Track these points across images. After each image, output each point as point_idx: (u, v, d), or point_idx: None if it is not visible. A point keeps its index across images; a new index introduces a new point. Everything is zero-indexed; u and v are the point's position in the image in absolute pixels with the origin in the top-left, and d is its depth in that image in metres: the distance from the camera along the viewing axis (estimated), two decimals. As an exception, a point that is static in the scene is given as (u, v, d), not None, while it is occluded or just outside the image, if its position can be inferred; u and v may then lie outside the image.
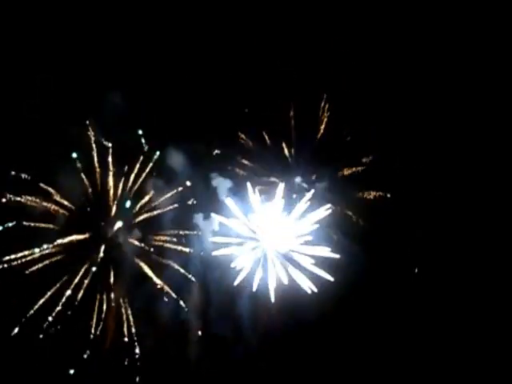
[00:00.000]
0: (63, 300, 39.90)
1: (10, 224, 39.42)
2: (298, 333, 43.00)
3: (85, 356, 40.25)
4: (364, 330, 43.30)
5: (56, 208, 40.41)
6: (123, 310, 40.82)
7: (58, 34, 40.34)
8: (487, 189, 43.64)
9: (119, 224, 41.42)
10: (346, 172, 44.95)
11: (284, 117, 44.43)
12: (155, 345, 41.22)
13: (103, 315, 40.56)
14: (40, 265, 39.80)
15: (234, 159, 43.74)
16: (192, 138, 42.35)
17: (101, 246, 40.85)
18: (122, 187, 41.42)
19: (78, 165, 40.89)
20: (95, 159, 41.31)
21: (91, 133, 41.06)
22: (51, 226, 40.32)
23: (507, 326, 42.58)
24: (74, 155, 40.85)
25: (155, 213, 41.67)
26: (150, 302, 41.17)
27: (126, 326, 40.79)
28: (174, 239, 41.72)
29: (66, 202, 40.80)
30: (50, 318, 39.78)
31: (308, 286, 41.73)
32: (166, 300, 41.26)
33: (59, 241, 40.04)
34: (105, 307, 40.57)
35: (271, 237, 43.17)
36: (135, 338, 40.86)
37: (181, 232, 41.87)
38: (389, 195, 44.52)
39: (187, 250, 41.93)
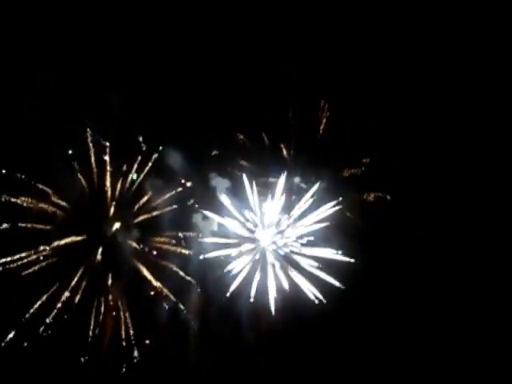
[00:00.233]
0: (60, 302, 39.12)
1: (6, 225, 38.57)
2: (298, 333, 42.45)
3: (82, 360, 39.51)
4: (364, 330, 42.88)
5: (53, 209, 39.64)
6: (121, 313, 40.07)
7: (58, 34, 39.65)
8: (487, 189, 43.47)
9: (117, 225, 40.69)
10: (346, 172, 44.63)
11: (283, 117, 43.99)
12: (154, 347, 40.53)
13: (101, 317, 39.78)
14: (37, 267, 39.03)
15: (233, 160, 43.10)
16: (191, 138, 41.87)
17: (99, 248, 40.06)
18: (120, 187, 40.68)
19: (76, 165, 40.15)
20: (92, 159, 40.61)
21: (89, 132, 40.32)
22: (48, 227, 39.52)
23: (507, 326, 42.44)
24: (71, 154, 40.09)
25: (154, 214, 40.94)
26: (149, 303, 40.49)
27: (124, 328, 40.01)
28: (173, 241, 41.02)
29: (63, 203, 40.05)
30: (47, 321, 38.99)
31: (312, 292, 41.33)
32: (165, 302, 40.54)
33: (56, 242, 39.23)
34: (103, 309, 39.79)
35: (271, 237, 42.84)
36: (133, 341, 40.12)
37: (180, 234, 41.15)
38: (389, 195, 44.20)
39: (186, 251, 41.21)
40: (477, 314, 42.46)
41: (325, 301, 41.85)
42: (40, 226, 39.27)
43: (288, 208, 43.17)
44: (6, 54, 39.00)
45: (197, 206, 42.01)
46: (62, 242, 39.44)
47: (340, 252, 42.16)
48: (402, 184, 44.31)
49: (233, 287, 41.74)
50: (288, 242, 42.88)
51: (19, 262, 38.60)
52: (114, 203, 40.44)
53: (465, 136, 44.01)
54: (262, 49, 43.25)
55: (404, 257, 43.76)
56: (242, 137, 43.62)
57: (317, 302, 41.79)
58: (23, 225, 38.94)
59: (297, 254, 42.78)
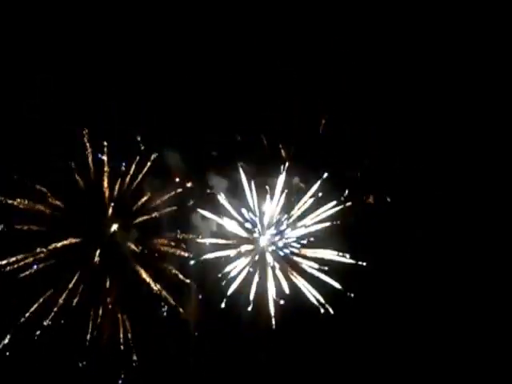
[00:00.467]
0: (58, 305, 38.23)
1: (1, 226, 37.57)
2: (298, 334, 41.93)
3: (80, 364, 38.66)
4: (365, 331, 42.54)
5: (50, 210, 38.65)
6: (119, 316, 39.24)
7: (57, 34, 38.79)
8: (487, 189, 43.29)
9: (115, 226, 39.81)
10: (346, 172, 44.15)
11: (283, 117, 43.35)
12: (153, 350, 39.78)
13: (99, 320, 38.94)
14: (34, 269, 38.07)
15: (232, 159, 42.36)
16: (190, 138, 41.15)
17: (96, 249, 39.16)
18: (118, 188, 39.80)
19: (73, 165, 39.19)
20: (90, 159, 39.68)
21: (86, 131, 39.39)
22: (45, 228, 38.53)
23: (507, 326, 42.35)
24: (68, 154, 39.14)
25: (153, 215, 40.12)
26: (148, 306, 39.71)
27: (122, 331, 39.20)
28: (172, 243, 40.25)
29: (60, 204, 39.05)
30: (45, 323, 38.08)
31: (312, 294, 40.92)
32: (164, 304, 39.80)
33: (53, 244, 38.29)
34: (100, 312, 38.93)
35: (270, 238, 42.34)
36: (132, 344, 39.33)
37: (178, 236, 40.39)
38: (389, 196, 43.79)
39: (186, 252, 40.50)
40: (478, 314, 42.27)
41: (325, 303, 41.61)
42: (37, 228, 38.23)
43: (288, 208, 42.79)
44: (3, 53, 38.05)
45: (196, 206, 41.13)
46: (59, 243, 38.47)
47: (341, 254, 41.95)
48: (402, 184, 43.96)
49: (231, 289, 41.23)
50: (288, 243, 42.54)
51: (15, 265, 37.64)
52: (112, 204, 39.51)
53: (464, 135, 43.76)
54: (262, 48, 42.52)
55: (404, 257, 43.45)
56: (241, 137, 42.92)
57: (317, 304, 41.48)
58: (19, 226, 37.94)
59: (297, 255, 42.41)
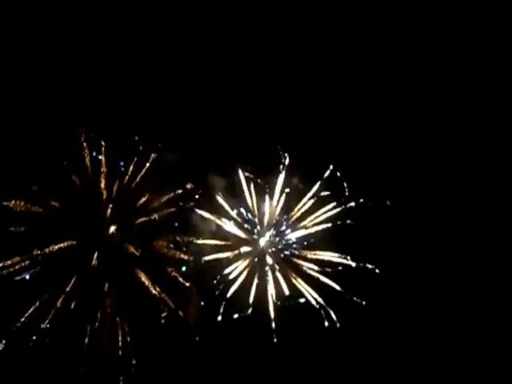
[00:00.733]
0: (55, 309, 37.32)
1: (-4, 229, 36.70)
2: (299, 337, 41.47)
3: (78, 369, 37.87)
4: (365, 331, 42.23)
5: (46, 211, 37.72)
6: (118, 320, 38.45)
7: (55, 34, 38.00)
8: (488, 189, 43.12)
9: (113, 228, 38.98)
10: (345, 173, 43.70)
11: (282, 117, 42.81)
12: (152, 354, 39.11)
13: (97, 324, 38.10)
14: (30, 272, 37.16)
15: (232, 160, 41.71)
16: (190, 138, 40.50)
17: (94, 252, 38.31)
18: (116, 189, 38.98)
19: (70, 165, 38.32)
20: (87, 159, 38.81)
21: (83, 131, 38.50)
22: (41, 230, 37.61)
23: (508, 327, 42.23)
24: (65, 155, 38.26)
25: (152, 216, 39.33)
26: (147, 309, 38.98)
27: (121, 335, 38.43)
28: (172, 245, 39.51)
29: (56, 205, 38.11)
30: (41, 328, 37.18)
31: (314, 299, 40.53)
32: (163, 308, 39.07)
33: (50, 246, 37.37)
34: (99, 316, 38.09)
35: (270, 239, 41.86)
36: (131, 349, 38.57)
37: (178, 238, 39.66)
38: (389, 197, 43.40)
39: (185, 254, 39.78)
40: (479, 314, 42.13)
41: (325, 305, 41.23)
42: (33, 230, 37.31)
43: (287, 209, 42.30)
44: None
45: (195, 207, 40.44)
46: (56, 246, 37.57)
47: (341, 255, 41.61)
48: (402, 185, 43.65)
49: (231, 291, 40.69)
50: (288, 245, 42.07)
51: (11, 268, 36.71)
52: (110, 205, 38.66)
53: (464, 136, 43.53)
54: (261, 48, 42.02)
55: (405, 258, 43.16)
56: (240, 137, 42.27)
57: (317, 306, 41.09)
58: (15, 228, 37.02)
59: (297, 256, 41.93)
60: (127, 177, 39.32)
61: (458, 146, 43.62)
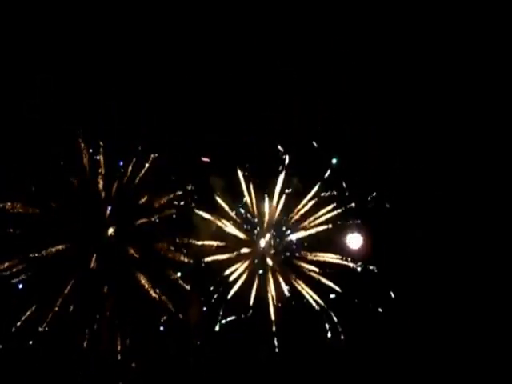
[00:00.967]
0: (52, 312, 36.71)
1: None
2: (300, 339, 41.07)
3: (77, 373, 37.26)
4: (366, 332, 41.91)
5: (43, 213, 37.06)
6: (117, 323, 37.87)
7: (54, 34, 37.45)
8: (488, 189, 42.94)
9: (112, 229, 38.38)
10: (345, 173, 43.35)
11: (282, 117, 42.38)
12: (152, 357, 38.57)
13: (96, 327, 37.51)
14: (26, 275, 36.51)
15: (232, 160, 41.22)
16: (189, 138, 39.97)
17: (93, 254, 37.69)
18: (115, 190, 38.38)
19: (68, 167, 37.70)
20: (85, 160, 38.19)
21: (81, 131, 37.89)
22: (38, 232, 36.95)
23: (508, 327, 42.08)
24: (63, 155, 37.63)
25: (152, 218, 38.77)
26: (146, 312, 38.42)
27: (120, 339, 37.85)
28: (172, 247, 38.96)
29: (54, 206, 37.48)
30: (39, 331, 36.56)
31: (315, 301, 40.17)
32: (163, 310, 38.55)
33: (48, 248, 36.73)
34: (97, 320, 37.49)
35: (270, 240, 41.45)
36: (130, 353, 37.99)
37: (177, 240, 39.12)
38: (389, 197, 43.11)
39: (185, 256, 39.24)
40: (479, 314, 41.93)
41: (326, 307, 40.89)
42: (30, 232, 36.65)
43: (287, 210, 41.91)
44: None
45: (195, 208, 39.93)
46: (54, 248, 36.92)
47: (341, 257, 41.32)
48: (402, 184, 43.38)
49: (231, 293, 40.25)
50: (288, 246, 41.69)
51: (8, 271, 36.05)
52: (109, 207, 38.06)
53: (465, 136, 43.32)
54: (261, 48, 41.58)
55: (405, 259, 42.87)
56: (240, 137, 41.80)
57: (318, 308, 40.72)
58: (12, 230, 36.37)
59: (297, 258, 41.54)
60: (126, 178, 38.70)
61: (457, 146, 43.41)
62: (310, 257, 41.27)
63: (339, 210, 41.74)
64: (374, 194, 42.63)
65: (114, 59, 38.83)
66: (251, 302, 40.20)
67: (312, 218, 41.68)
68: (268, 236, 41.62)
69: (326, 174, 42.17)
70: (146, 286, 38.16)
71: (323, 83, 42.78)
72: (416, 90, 43.41)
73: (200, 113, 40.66)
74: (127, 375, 37.91)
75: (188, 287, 38.93)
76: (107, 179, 38.40)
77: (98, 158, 38.41)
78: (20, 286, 36.51)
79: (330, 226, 41.69)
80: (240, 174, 41.15)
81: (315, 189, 41.83)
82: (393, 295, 41.64)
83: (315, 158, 42.72)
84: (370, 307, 41.66)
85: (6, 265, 35.95)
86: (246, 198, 41.32)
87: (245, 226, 41.38)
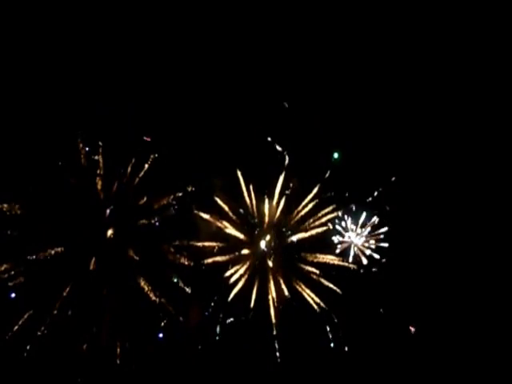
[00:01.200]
0: (51, 315, 35.99)
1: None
2: (300, 341, 40.70)
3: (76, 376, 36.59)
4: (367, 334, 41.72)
5: (42, 215, 36.31)
6: (117, 327, 37.24)
7: (53, 34, 36.79)
8: (490, 190, 42.86)
9: (111, 231, 37.71)
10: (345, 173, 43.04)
11: (282, 117, 42.04)
12: (152, 361, 38.00)
13: (95, 331, 36.87)
14: (23, 278, 35.75)
15: (232, 161, 40.73)
16: (189, 138, 39.47)
17: (92, 256, 37.00)
18: (114, 191, 37.72)
19: (66, 167, 36.97)
20: (83, 160, 37.50)
21: (80, 132, 37.20)
22: (36, 234, 36.21)
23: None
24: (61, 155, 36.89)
25: (152, 220, 38.16)
26: (146, 315, 37.83)
27: (119, 342, 37.23)
28: (172, 249, 38.38)
29: (52, 208, 36.72)
30: (37, 335, 35.83)
31: (315, 303, 39.84)
32: (164, 313, 37.99)
33: (47, 250, 36.01)
34: (97, 323, 36.84)
35: (270, 241, 41.05)
36: (129, 357, 37.38)
37: (177, 242, 38.56)
38: (389, 198, 42.92)
39: (185, 258, 38.68)
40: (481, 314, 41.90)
41: (327, 308, 40.57)
42: (28, 234, 35.89)
43: (288, 211, 41.54)
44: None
45: (195, 209, 39.41)
46: (53, 250, 36.20)
47: (344, 258, 41.12)
48: (403, 185, 43.20)
49: (231, 295, 39.79)
50: (288, 247, 41.32)
51: (6, 275, 35.27)
52: (107, 209, 37.38)
53: (466, 137, 43.21)
54: (261, 48, 41.18)
55: (405, 259, 42.69)
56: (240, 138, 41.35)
57: (319, 310, 40.39)
58: (8, 233, 35.61)
59: (298, 259, 41.17)
60: (125, 179, 38.07)
61: (457, 147, 43.31)
62: (310, 258, 40.94)
63: (339, 211, 41.50)
64: (376, 194, 42.51)
65: (113, 60, 38.16)
66: (252, 304, 39.75)
67: (312, 219, 41.37)
68: (268, 237, 41.19)
69: (326, 175, 41.89)
70: (146, 288, 37.55)
71: (323, 83, 42.54)
72: (415, 91, 43.37)
73: (200, 113, 40.13)
74: (127, 378, 37.22)
75: (188, 289, 38.28)
76: (106, 180, 37.64)
77: (97, 158, 37.66)
78: (18, 289, 35.60)
79: (331, 227, 41.46)
80: (240, 174, 40.70)
81: (315, 190, 41.51)
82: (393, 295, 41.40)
83: (315, 158, 42.51)
84: (371, 308, 41.54)
85: (4, 267, 35.06)
86: (246, 199, 40.86)
87: (245, 227, 40.92)
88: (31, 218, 36.09)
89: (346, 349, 40.97)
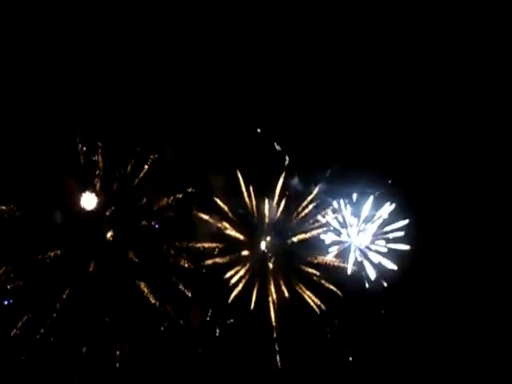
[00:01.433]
0: (51, 318, 35.59)
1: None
2: (300, 342, 40.48)
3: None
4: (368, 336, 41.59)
5: (41, 217, 35.88)
6: (117, 329, 36.87)
7: (51, 34, 36.39)
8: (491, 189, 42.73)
9: (110, 233, 37.32)
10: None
11: (282, 117, 41.73)
12: (152, 365, 37.69)
13: (95, 333, 36.49)
14: (22, 281, 35.34)
15: (232, 161, 40.39)
16: (189, 139, 39.11)
17: (92, 258, 36.61)
18: (113, 192, 37.32)
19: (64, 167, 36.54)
20: (83, 161, 37.10)
21: (79, 132, 36.76)
22: (35, 236, 35.75)
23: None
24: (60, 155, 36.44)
25: (152, 222, 37.78)
26: (146, 318, 37.50)
27: (119, 346, 36.88)
28: (172, 251, 38.01)
29: (50, 209, 36.28)
30: (37, 337, 35.43)
31: (314, 302, 39.61)
32: (164, 316, 37.66)
33: (46, 252, 35.59)
34: (96, 327, 36.45)
35: (271, 242, 40.79)
36: (129, 360, 37.03)
37: (177, 244, 38.20)
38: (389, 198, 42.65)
39: (185, 259, 38.34)
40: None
41: (326, 310, 40.34)
42: (27, 235, 35.45)
43: (288, 212, 41.24)
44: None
45: (195, 210, 39.06)
46: (52, 252, 35.77)
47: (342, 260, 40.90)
48: (402, 185, 42.97)
49: (232, 297, 39.51)
50: (289, 248, 41.05)
51: (4, 277, 34.84)
52: (107, 210, 36.96)
53: (466, 137, 43.06)
54: (261, 48, 40.93)
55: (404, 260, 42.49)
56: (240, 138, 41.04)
57: (319, 312, 40.17)
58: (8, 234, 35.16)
59: (298, 260, 40.92)
60: (125, 180, 37.64)
61: (458, 148, 43.22)
62: (310, 259, 40.70)
63: (340, 212, 41.28)
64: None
65: (113, 60, 37.73)
66: (252, 306, 39.49)
67: (312, 220, 41.13)
68: (268, 238, 40.92)
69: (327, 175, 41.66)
70: (146, 290, 37.19)
71: (323, 84, 42.29)
72: (416, 92, 43.20)
73: (200, 114, 39.79)
74: (126, 381, 36.91)
75: (188, 292, 37.94)
76: (106, 181, 37.23)
77: (96, 159, 37.24)
78: (18, 291, 35.20)
79: (331, 228, 41.23)
80: (240, 175, 40.38)
81: (315, 190, 41.26)
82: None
83: (315, 159, 42.24)
84: (371, 310, 41.40)
85: (4, 269, 34.64)
86: (246, 200, 40.56)
87: (245, 228, 40.64)
88: (30, 220, 35.59)
89: (347, 351, 40.80)
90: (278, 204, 40.87)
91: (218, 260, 39.48)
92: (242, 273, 39.80)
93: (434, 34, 42.74)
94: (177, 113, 39.19)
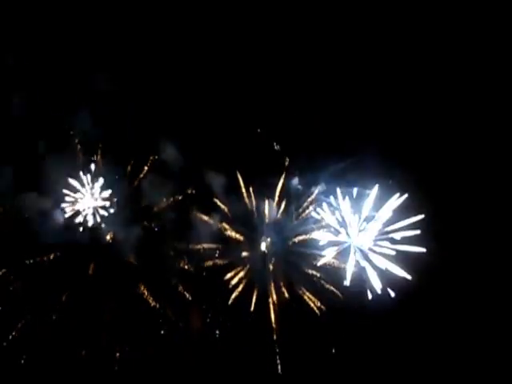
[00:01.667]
0: (50, 320, 35.39)
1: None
2: (300, 342, 40.34)
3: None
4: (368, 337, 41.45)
5: (40, 217, 35.59)
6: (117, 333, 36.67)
7: (50, 31, 36.01)
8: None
9: (110, 234, 37.04)
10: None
11: (282, 117, 41.51)
12: (152, 367, 37.52)
13: (94, 335, 36.29)
14: (25, 281, 35.13)
15: (232, 162, 40.15)
16: (189, 139, 38.83)
17: (91, 260, 36.34)
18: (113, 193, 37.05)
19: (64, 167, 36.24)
20: (80, 160, 36.80)
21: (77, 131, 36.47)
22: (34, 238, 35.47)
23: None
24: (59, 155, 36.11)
25: (152, 224, 37.54)
26: (146, 321, 37.29)
27: (119, 348, 36.67)
28: (172, 252, 37.78)
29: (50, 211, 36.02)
30: (36, 340, 35.21)
31: (314, 303, 39.43)
32: (164, 319, 37.46)
33: (45, 255, 35.34)
34: (96, 329, 36.23)
35: (271, 243, 40.59)
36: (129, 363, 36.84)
37: (176, 245, 37.97)
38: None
39: (186, 261, 38.16)
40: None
41: (326, 310, 40.21)
42: (27, 237, 35.18)
43: (289, 212, 41.05)
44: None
45: (196, 210, 38.85)
46: (52, 254, 35.50)
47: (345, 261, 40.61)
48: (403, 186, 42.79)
49: (232, 298, 39.33)
50: (290, 249, 40.90)
51: (4, 279, 34.60)
52: (106, 213, 36.69)
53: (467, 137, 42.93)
54: (261, 49, 40.69)
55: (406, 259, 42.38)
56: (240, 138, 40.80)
57: (318, 312, 40.03)
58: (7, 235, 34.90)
59: (299, 261, 40.76)
60: (124, 181, 37.38)
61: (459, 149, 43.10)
62: (311, 260, 40.51)
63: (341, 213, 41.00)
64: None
65: (113, 61, 37.40)
66: (252, 307, 39.32)
67: (314, 221, 40.91)
68: (268, 239, 40.73)
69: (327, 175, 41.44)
70: (146, 293, 36.99)
71: (323, 84, 42.10)
72: (417, 92, 43.06)
73: (200, 114, 39.55)
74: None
75: (188, 293, 37.74)
76: (105, 183, 36.94)
77: (95, 159, 36.97)
78: (17, 294, 34.95)
79: (332, 229, 40.97)
80: (240, 176, 40.17)
81: (316, 191, 41.05)
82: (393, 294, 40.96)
83: (315, 159, 42.04)
84: (372, 311, 41.22)
85: (3, 272, 34.34)
86: (246, 201, 40.36)
87: (245, 229, 40.46)
88: (29, 223, 35.29)
89: (347, 352, 40.68)
90: (278, 204, 40.69)
91: (217, 261, 39.30)
92: (242, 274, 39.62)
93: (433, 34, 42.73)
94: (177, 113, 38.86)
